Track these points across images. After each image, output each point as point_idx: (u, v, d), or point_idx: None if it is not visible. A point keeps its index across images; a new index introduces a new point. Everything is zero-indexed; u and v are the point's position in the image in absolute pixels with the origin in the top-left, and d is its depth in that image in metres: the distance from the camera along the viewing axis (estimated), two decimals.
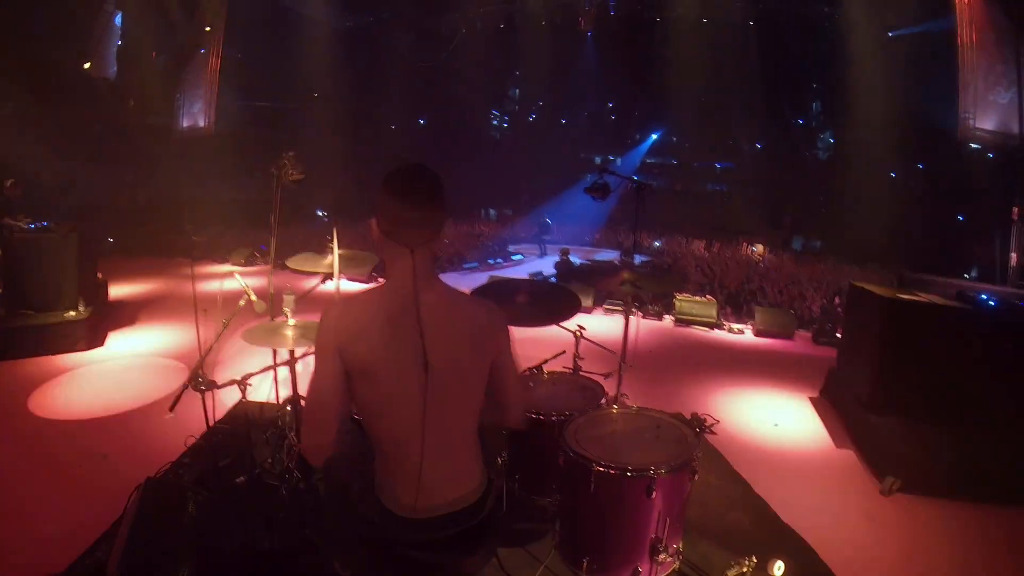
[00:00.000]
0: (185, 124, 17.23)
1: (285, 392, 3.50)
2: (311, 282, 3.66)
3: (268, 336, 3.01)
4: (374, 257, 3.58)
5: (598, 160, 25.31)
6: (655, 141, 25.76)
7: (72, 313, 6.41)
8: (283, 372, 3.46)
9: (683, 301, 8.95)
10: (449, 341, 1.74)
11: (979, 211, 13.84)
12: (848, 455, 4.51)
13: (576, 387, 3.17)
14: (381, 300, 1.75)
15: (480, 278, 11.13)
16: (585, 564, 2.24)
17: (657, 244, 17.12)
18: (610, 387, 3.33)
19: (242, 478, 3.24)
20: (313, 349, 1.76)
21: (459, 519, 1.82)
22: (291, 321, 3.00)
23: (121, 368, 5.94)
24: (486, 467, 1.98)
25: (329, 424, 1.71)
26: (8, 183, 7.65)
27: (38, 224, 6.98)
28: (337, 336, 1.70)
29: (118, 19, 15.47)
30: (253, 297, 3.17)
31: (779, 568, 2.74)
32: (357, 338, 1.69)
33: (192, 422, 3.29)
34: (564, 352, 3.76)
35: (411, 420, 1.72)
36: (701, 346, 7.81)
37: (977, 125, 11.46)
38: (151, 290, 9.81)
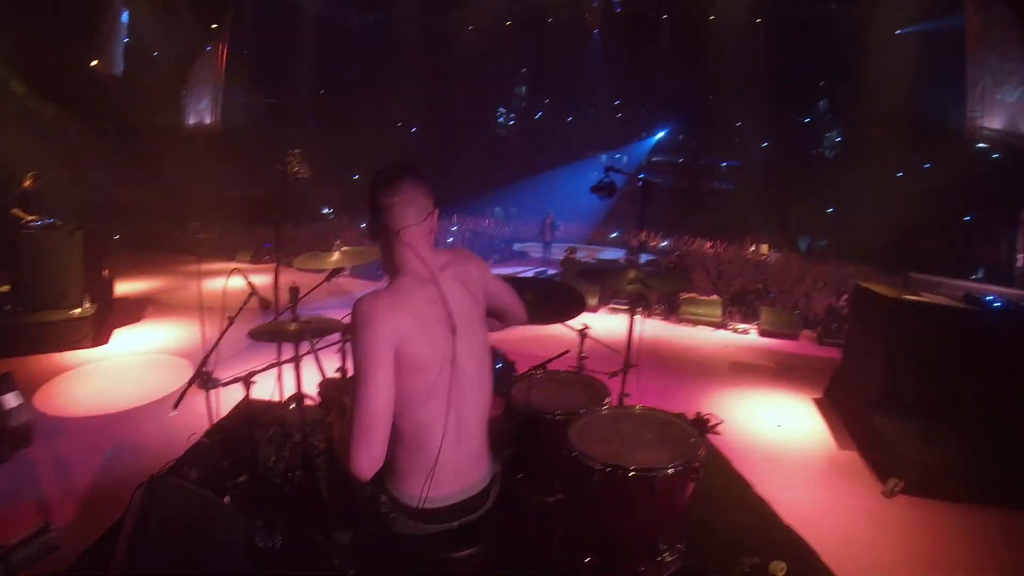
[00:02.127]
0: (192, 121, 17.31)
1: (289, 390, 3.51)
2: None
3: (273, 333, 3.02)
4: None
5: (604, 158, 25.25)
6: (661, 139, 25.73)
7: (78, 310, 6.44)
8: (287, 369, 3.47)
9: (688, 300, 8.95)
10: (462, 299, 1.82)
11: (986, 211, 13.77)
12: (851, 456, 4.50)
13: (580, 386, 3.15)
14: (409, 286, 1.77)
15: None
16: (587, 563, 2.24)
17: (664, 244, 17.06)
18: (614, 386, 3.32)
19: (245, 476, 3.24)
20: (360, 355, 1.60)
21: (464, 509, 1.84)
22: (296, 318, 3.01)
23: (126, 364, 5.96)
24: (493, 458, 2.00)
25: (386, 435, 1.59)
26: (29, 178, 7.70)
27: (45, 221, 7.01)
28: (394, 333, 1.62)
29: (125, 17, 15.52)
30: (261, 294, 3.17)
31: (781, 569, 2.73)
32: (409, 330, 1.65)
33: (196, 420, 3.30)
34: (568, 351, 3.75)
35: (440, 401, 1.73)
36: (706, 346, 7.79)
37: (984, 124, 11.41)
38: (157, 287, 9.86)
